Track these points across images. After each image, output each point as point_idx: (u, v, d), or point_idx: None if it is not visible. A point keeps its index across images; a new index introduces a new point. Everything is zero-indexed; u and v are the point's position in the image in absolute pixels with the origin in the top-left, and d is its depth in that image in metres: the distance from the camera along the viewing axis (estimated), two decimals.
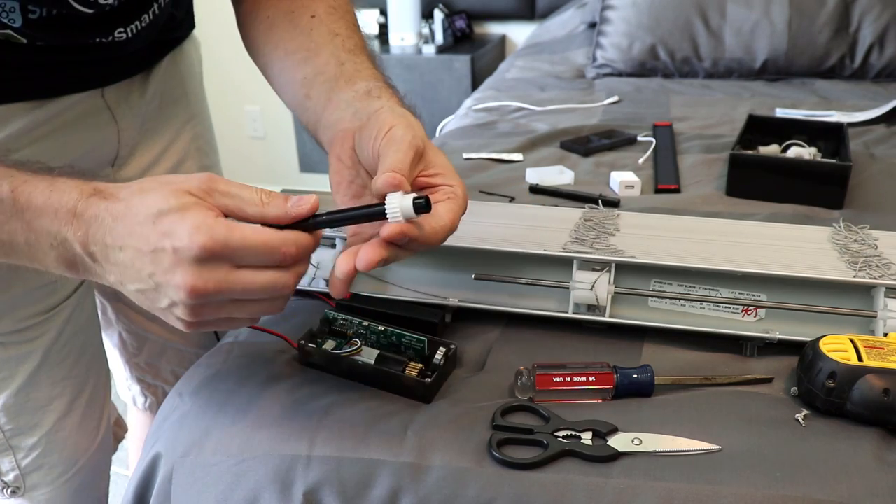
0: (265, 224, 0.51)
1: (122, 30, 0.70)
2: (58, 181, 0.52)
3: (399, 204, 0.51)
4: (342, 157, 0.61)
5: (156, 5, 0.74)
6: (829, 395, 0.58)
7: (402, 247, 0.53)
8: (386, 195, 0.51)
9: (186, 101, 0.91)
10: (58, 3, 0.63)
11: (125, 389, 1.08)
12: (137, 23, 0.72)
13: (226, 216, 0.51)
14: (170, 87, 0.87)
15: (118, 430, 1.03)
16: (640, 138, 1.33)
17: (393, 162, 0.53)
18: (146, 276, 0.49)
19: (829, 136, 1.16)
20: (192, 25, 0.91)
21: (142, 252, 0.49)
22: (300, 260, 0.52)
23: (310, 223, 0.53)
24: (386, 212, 0.51)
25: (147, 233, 0.48)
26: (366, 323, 0.66)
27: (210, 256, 0.48)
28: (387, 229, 0.51)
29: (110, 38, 0.70)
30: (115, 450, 0.97)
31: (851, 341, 0.60)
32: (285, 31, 0.73)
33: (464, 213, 0.57)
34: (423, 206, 0.51)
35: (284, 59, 0.72)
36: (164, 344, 1.01)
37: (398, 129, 0.55)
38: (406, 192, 0.51)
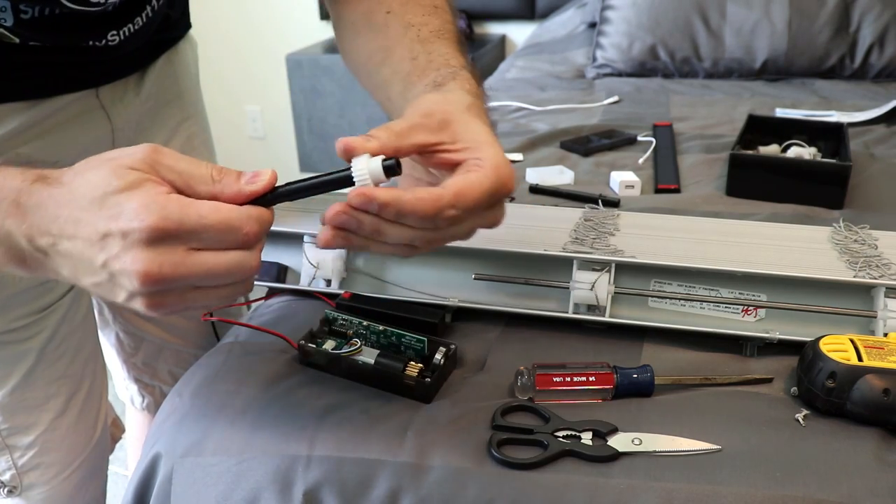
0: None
1: (114, 32, 0.70)
2: (1, 170, 0.48)
3: (367, 166, 0.47)
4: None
5: (149, 7, 0.73)
6: (829, 395, 0.58)
7: (393, 221, 0.48)
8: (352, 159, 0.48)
9: (181, 102, 0.91)
10: (50, 3, 0.62)
11: (123, 389, 1.08)
12: (130, 25, 0.72)
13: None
14: (165, 87, 0.87)
15: (115, 431, 1.03)
16: (640, 138, 1.33)
17: (388, 125, 0.50)
18: (98, 266, 0.45)
19: (829, 137, 1.16)
20: (187, 25, 0.91)
21: (91, 241, 0.45)
22: (263, 237, 0.49)
23: (268, 197, 0.49)
24: (353, 177, 0.47)
25: (93, 218, 0.45)
26: (366, 323, 0.66)
27: (163, 237, 0.44)
28: (351, 193, 0.47)
29: (103, 41, 0.70)
30: (112, 450, 0.97)
31: (851, 341, 0.60)
32: (365, 34, 0.71)
33: (498, 187, 0.50)
34: (392, 168, 0.47)
35: (367, 64, 0.71)
36: (161, 344, 1.01)
37: (423, 102, 0.53)
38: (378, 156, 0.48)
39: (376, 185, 0.47)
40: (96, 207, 0.44)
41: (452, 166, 0.53)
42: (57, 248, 0.46)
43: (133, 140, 0.83)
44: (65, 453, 0.83)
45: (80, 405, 0.84)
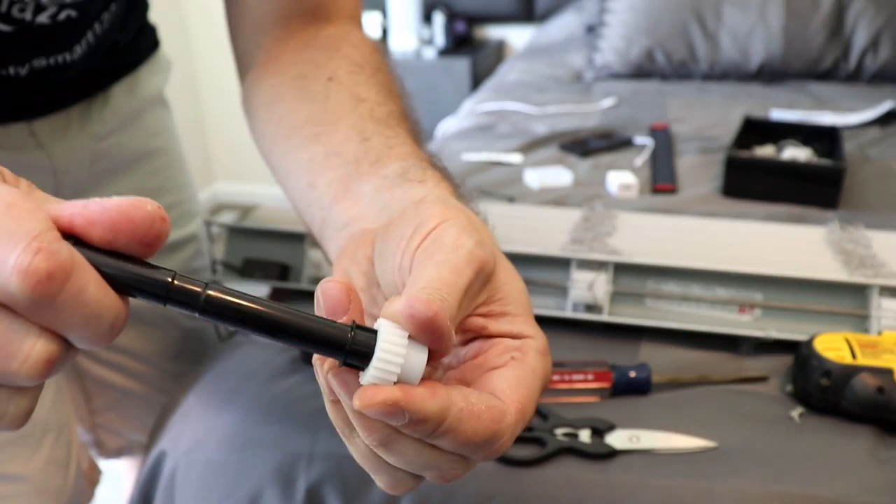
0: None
1: (42, 59, 0.58)
2: None
3: (404, 350, 0.28)
4: (351, 272, 0.39)
5: (90, 34, 0.62)
6: (823, 393, 0.59)
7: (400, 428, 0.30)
8: (379, 321, 0.29)
9: (145, 134, 0.78)
10: None
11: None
12: (67, 54, 0.59)
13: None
14: (125, 120, 0.75)
15: (93, 475, 0.86)
16: (637, 140, 1.34)
17: (434, 276, 0.31)
18: None
19: (824, 138, 1.17)
20: (151, 47, 0.78)
21: None
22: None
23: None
24: (374, 356, 0.28)
25: None
26: None
27: None
28: (361, 395, 0.29)
29: (25, 66, 0.58)
30: (91, 496, 0.84)
31: (846, 340, 0.61)
32: (293, 102, 0.53)
33: (540, 389, 0.33)
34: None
35: (289, 138, 0.51)
36: (125, 391, 0.84)
37: (450, 228, 0.33)
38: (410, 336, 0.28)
39: (401, 379, 0.28)
40: None
41: (476, 331, 0.35)
42: None
43: (88, 182, 0.71)
44: None
45: (42, 466, 0.69)
